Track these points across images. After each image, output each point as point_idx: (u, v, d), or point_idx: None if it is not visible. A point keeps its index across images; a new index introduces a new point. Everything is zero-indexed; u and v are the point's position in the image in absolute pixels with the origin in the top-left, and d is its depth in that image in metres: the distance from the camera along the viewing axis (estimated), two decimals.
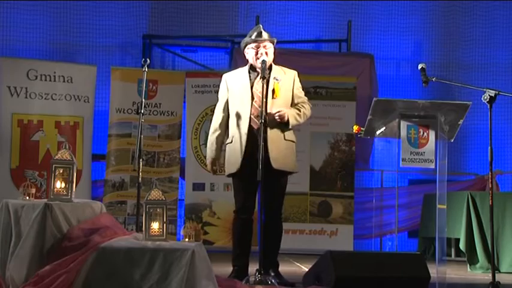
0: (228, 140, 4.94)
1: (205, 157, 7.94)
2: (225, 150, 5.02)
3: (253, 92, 4.85)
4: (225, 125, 5.00)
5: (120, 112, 7.89)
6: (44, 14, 9.15)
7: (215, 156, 5.01)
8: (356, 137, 7.25)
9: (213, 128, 5.04)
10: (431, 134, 4.80)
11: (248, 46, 4.95)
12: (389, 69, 9.57)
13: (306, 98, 5.02)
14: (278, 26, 9.37)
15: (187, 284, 3.58)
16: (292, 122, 4.83)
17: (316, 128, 8.04)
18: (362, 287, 4.22)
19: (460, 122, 4.90)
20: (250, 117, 4.80)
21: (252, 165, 4.59)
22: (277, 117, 4.75)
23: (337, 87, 8.16)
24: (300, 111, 4.90)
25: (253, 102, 4.81)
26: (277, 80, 4.86)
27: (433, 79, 4.77)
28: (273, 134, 4.79)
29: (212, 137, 5.03)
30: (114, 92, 7.93)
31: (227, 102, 4.98)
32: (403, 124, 4.79)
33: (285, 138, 4.86)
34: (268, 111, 4.73)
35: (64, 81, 7.71)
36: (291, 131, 4.92)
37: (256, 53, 4.88)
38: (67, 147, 4.09)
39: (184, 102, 8.17)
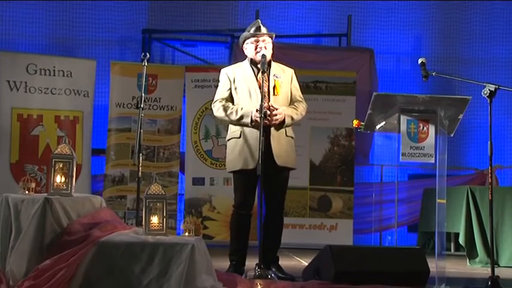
0: (235, 135, 4.83)
1: (205, 152, 8.04)
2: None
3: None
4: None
5: (119, 106, 7.88)
6: (44, 8, 9.15)
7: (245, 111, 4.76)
8: (356, 131, 7.27)
9: (220, 99, 4.88)
10: (431, 129, 4.79)
11: (247, 41, 4.92)
12: (389, 63, 9.57)
13: (303, 97, 5.01)
14: (278, 21, 9.36)
15: (187, 279, 3.59)
16: (288, 122, 4.80)
17: (316, 123, 8.04)
18: (361, 281, 4.22)
19: (460, 116, 4.89)
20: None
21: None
22: (276, 118, 4.70)
23: (337, 82, 8.15)
24: (297, 110, 4.88)
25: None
26: (277, 77, 4.83)
27: (433, 74, 4.77)
28: (275, 131, 4.77)
29: (223, 104, 4.84)
30: (113, 86, 7.93)
31: (231, 95, 4.91)
32: (403, 119, 4.78)
33: (286, 135, 4.85)
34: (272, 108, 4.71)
35: (64, 75, 7.70)
36: (291, 127, 4.91)
37: (256, 47, 4.87)
38: (67, 141, 4.09)
39: (184, 96, 8.16)
